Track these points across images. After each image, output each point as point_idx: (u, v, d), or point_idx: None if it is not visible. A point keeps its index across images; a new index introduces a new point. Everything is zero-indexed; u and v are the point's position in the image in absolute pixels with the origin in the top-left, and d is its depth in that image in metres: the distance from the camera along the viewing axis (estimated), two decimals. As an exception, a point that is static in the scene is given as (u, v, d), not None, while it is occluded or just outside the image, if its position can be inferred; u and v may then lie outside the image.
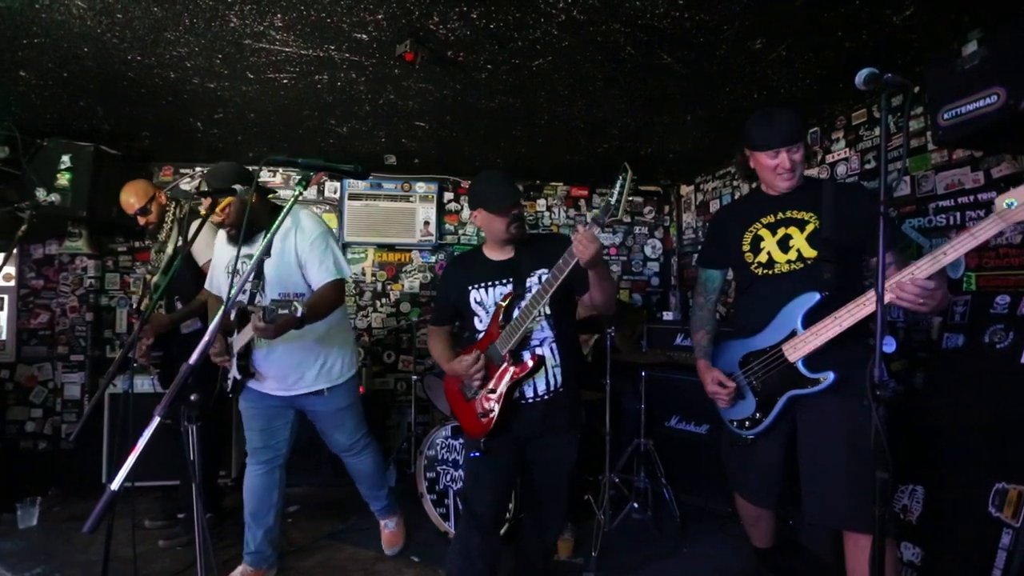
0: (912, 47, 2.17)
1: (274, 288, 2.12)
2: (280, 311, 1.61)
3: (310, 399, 2.27)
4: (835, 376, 1.61)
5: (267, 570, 2.33)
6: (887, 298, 1.48)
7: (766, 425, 1.76)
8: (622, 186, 1.58)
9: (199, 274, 2.62)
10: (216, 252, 2.38)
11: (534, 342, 1.83)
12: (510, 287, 1.85)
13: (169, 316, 2.59)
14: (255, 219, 2.12)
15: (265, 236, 2.05)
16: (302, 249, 2.14)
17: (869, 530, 1.23)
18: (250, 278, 2.01)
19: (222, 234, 2.29)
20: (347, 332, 2.43)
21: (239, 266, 2.14)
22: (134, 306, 2.58)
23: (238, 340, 2.14)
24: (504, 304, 1.82)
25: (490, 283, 1.90)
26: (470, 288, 1.92)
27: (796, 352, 1.66)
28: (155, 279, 2.68)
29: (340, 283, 2.18)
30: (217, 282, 2.36)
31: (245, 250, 2.16)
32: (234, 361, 2.17)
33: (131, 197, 2.70)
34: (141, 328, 2.28)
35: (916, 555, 1.98)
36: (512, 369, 1.78)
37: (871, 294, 1.50)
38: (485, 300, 1.90)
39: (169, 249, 2.67)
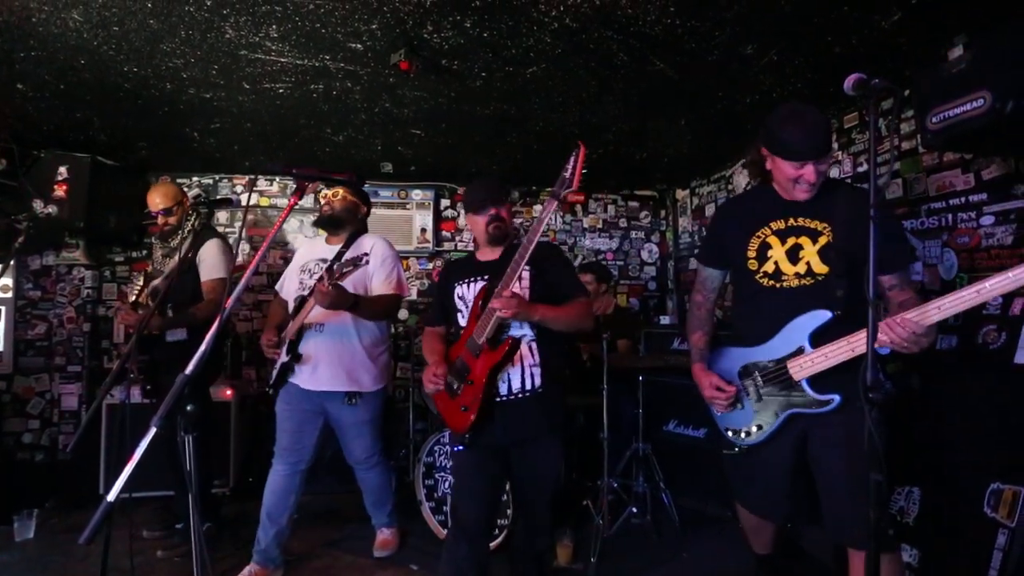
0: (901, 51, 2.20)
1: None
2: (345, 269, 1.95)
3: (338, 406, 2.41)
4: (840, 399, 1.53)
5: (273, 571, 2.40)
6: (880, 339, 1.37)
7: (763, 438, 1.68)
8: (575, 160, 1.66)
9: (199, 287, 2.67)
10: (296, 256, 2.67)
11: (512, 333, 1.83)
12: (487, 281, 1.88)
13: (161, 318, 2.57)
14: (348, 225, 2.49)
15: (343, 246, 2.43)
16: (373, 263, 2.36)
17: (875, 548, 1.19)
18: (316, 275, 2.33)
19: (305, 239, 2.54)
20: (383, 352, 2.57)
21: (313, 267, 2.45)
22: (131, 298, 2.59)
23: (291, 327, 2.39)
24: (480, 298, 1.84)
25: (472, 279, 1.94)
26: (455, 285, 1.97)
27: (803, 371, 1.58)
28: (156, 282, 2.69)
29: (399, 297, 2.46)
30: (288, 284, 2.58)
31: (320, 253, 2.47)
32: (284, 347, 2.39)
33: (158, 197, 2.73)
34: (137, 329, 2.30)
35: (913, 556, 1.98)
36: (490, 355, 1.78)
37: (886, 323, 1.41)
38: (466, 295, 1.93)
39: (178, 257, 2.70)
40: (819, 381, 1.57)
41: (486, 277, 1.89)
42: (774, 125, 1.60)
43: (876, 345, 1.29)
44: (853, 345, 1.48)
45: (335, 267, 2.01)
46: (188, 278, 2.65)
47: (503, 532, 2.53)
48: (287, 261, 4.09)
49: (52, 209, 3.11)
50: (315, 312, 2.31)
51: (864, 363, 1.23)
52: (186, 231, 2.75)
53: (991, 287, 1.29)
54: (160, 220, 2.74)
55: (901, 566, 1.72)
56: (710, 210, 4.13)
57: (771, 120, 1.62)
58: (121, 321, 2.63)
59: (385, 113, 2.87)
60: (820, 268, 1.60)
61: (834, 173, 2.94)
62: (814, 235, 1.62)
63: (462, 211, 4.40)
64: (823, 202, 1.63)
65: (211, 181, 4.08)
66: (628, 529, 2.83)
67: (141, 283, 2.66)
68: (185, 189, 3.94)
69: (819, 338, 1.56)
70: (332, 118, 2.95)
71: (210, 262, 2.67)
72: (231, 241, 4.00)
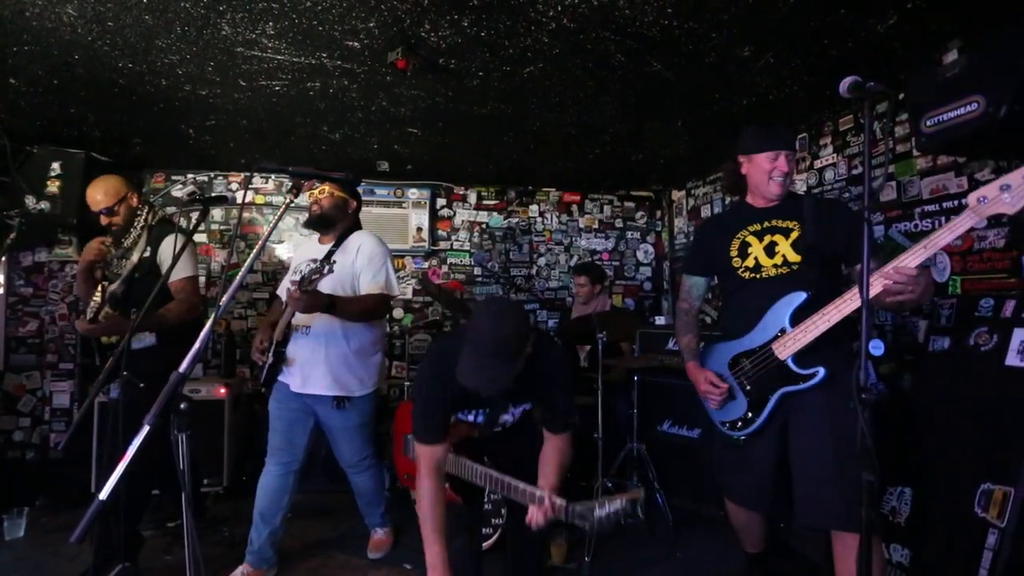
0: (896, 55, 2.21)
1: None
2: (313, 276, 1.94)
3: (327, 409, 2.37)
4: (825, 372, 1.66)
5: (266, 571, 2.39)
6: (878, 286, 1.52)
7: (759, 424, 1.77)
8: (620, 511, 1.36)
9: (164, 289, 2.27)
10: (296, 257, 2.64)
11: (506, 417, 1.86)
12: (481, 418, 1.83)
13: (125, 321, 2.22)
14: (339, 223, 2.42)
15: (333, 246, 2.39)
16: (361, 262, 2.35)
17: (855, 529, 1.24)
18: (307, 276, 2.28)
19: (300, 239, 2.53)
20: (376, 354, 2.51)
21: (303, 268, 2.34)
22: (89, 316, 2.27)
23: (277, 329, 2.37)
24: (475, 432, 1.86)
25: (469, 411, 1.85)
26: (458, 413, 1.85)
27: (786, 350, 1.71)
28: (112, 287, 2.32)
29: (385, 297, 2.38)
30: (283, 286, 2.57)
31: (311, 254, 2.43)
32: (272, 348, 2.36)
33: (98, 194, 2.34)
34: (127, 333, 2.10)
35: (904, 556, 2.00)
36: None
37: (856, 289, 1.54)
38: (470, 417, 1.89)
39: (134, 257, 2.34)
40: (802, 358, 1.70)
41: (477, 412, 1.82)
42: (746, 134, 1.90)
43: (881, 296, 1.51)
44: (828, 316, 1.63)
45: (306, 277, 1.99)
46: (151, 280, 2.26)
47: (497, 531, 2.53)
48: (281, 260, 4.09)
49: (45, 205, 3.09)
50: (301, 315, 2.26)
51: (857, 364, 1.26)
52: (138, 228, 2.39)
53: (939, 235, 1.48)
54: (104, 221, 2.36)
55: (880, 546, 1.87)
56: (706, 211, 4.15)
57: (741, 134, 1.92)
58: (81, 330, 2.29)
59: (382, 111, 2.86)
60: (794, 257, 1.80)
61: (829, 176, 2.96)
62: (786, 232, 1.83)
63: (458, 209, 4.40)
64: (791, 206, 1.87)
65: (206, 178, 4.06)
66: (622, 529, 2.84)
67: (99, 299, 2.31)
68: (180, 186, 3.95)
69: (797, 318, 1.71)
70: (328, 116, 2.94)
71: (179, 262, 2.25)
72: (226, 239, 4.00)
